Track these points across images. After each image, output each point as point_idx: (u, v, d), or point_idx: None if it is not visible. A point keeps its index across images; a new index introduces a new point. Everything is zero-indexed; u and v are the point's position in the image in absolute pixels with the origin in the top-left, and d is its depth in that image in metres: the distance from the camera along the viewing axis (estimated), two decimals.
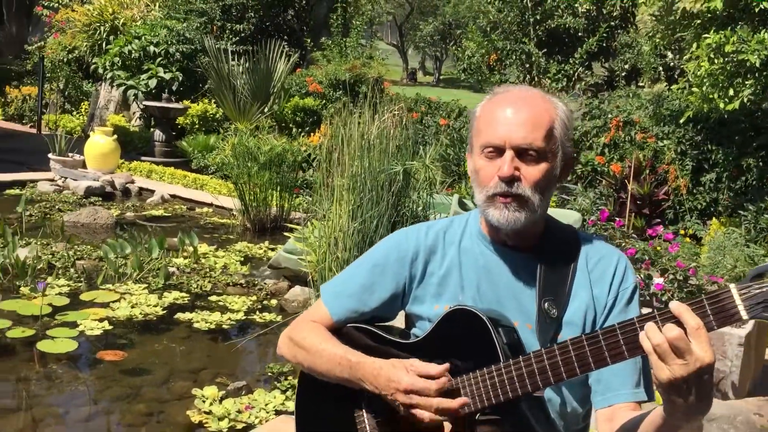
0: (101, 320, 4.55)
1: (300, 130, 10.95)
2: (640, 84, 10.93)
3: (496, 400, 1.34)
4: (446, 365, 1.38)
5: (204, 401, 3.61)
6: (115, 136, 9.50)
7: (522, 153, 1.43)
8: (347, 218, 4.84)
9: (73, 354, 4.08)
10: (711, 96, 6.11)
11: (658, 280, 4.23)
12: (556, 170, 1.48)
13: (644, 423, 1.32)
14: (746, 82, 5.91)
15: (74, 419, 3.46)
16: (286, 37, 14.86)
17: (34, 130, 12.99)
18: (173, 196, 8.74)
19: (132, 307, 4.83)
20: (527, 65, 10.81)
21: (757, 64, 5.66)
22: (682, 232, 7.35)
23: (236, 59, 11.83)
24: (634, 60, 11.01)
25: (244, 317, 4.91)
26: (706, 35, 6.05)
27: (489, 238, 1.55)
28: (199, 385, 3.81)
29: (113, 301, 4.90)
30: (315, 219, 5.39)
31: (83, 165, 9.20)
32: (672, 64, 10.10)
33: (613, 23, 11.10)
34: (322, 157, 5.32)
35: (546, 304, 1.46)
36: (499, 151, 1.44)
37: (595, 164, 8.35)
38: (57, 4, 14.92)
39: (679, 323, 1.16)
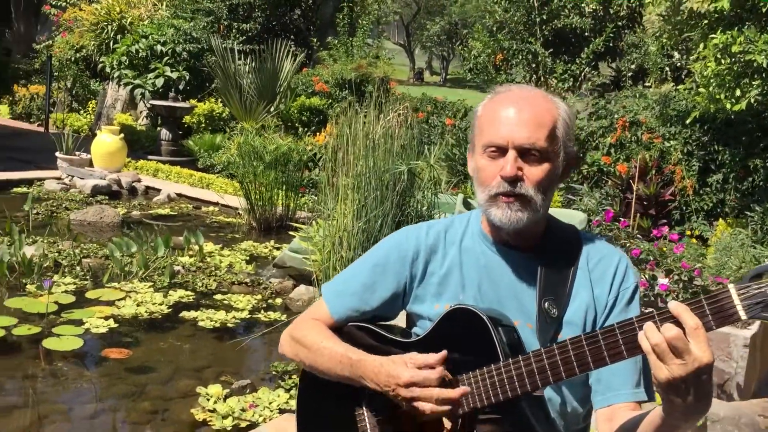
0: (107, 318, 4.57)
1: (306, 129, 10.97)
2: (647, 84, 10.90)
3: (496, 399, 1.35)
4: (444, 353, 1.38)
5: (208, 399, 3.62)
6: (122, 135, 9.53)
7: (525, 153, 1.43)
8: (352, 217, 4.85)
9: (78, 352, 4.10)
10: (718, 96, 6.09)
11: (662, 280, 4.22)
12: (558, 170, 1.48)
13: (643, 423, 1.32)
14: (753, 83, 5.90)
15: (79, 416, 3.48)
16: (292, 36, 14.89)
17: (41, 129, 13.05)
18: (179, 195, 8.76)
19: (137, 305, 4.85)
20: (533, 65, 10.79)
21: (764, 65, 5.64)
22: (688, 233, 7.33)
23: (243, 58, 11.85)
24: (641, 60, 10.98)
25: (249, 316, 4.92)
26: (713, 35, 6.04)
27: (490, 238, 1.55)
28: (204, 383, 3.82)
29: (119, 300, 4.92)
30: (320, 218, 5.40)
31: (90, 164, 9.24)
32: (679, 64, 10.06)
33: (620, 23, 11.06)
34: (327, 157, 5.33)
35: (546, 304, 1.46)
36: (501, 150, 1.44)
37: (601, 164, 8.33)
38: (65, 3, 14.98)
39: (678, 323, 1.16)
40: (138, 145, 10.95)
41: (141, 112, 12.57)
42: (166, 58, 11.71)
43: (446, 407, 1.36)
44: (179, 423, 3.47)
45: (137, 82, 11.61)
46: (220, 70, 11.25)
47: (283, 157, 7.35)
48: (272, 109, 11.21)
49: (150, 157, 10.31)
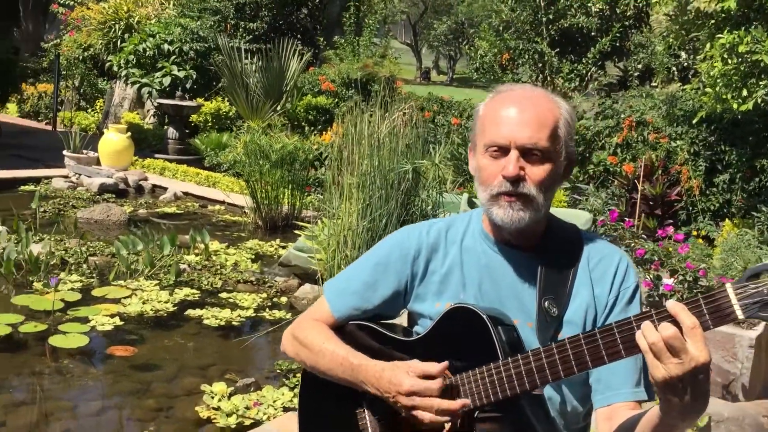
0: (112, 316, 4.60)
1: (312, 128, 10.98)
2: (654, 84, 10.86)
3: (495, 398, 1.35)
4: (445, 363, 1.39)
5: (213, 397, 3.64)
6: (129, 134, 9.56)
7: (526, 153, 1.43)
8: (357, 216, 4.86)
9: (84, 349, 4.13)
10: (724, 96, 6.08)
11: (667, 281, 4.22)
12: (560, 169, 1.49)
13: (641, 422, 1.33)
14: (760, 83, 5.88)
15: (85, 413, 3.51)
16: (299, 35, 14.88)
17: (49, 127, 13.11)
18: (186, 194, 8.79)
19: (143, 303, 4.87)
20: (540, 65, 10.78)
21: None
22: (695, 233, 7.31)
23: (249, 57, 11.87)
24: (648, 60, 10.94)
25: (254, 314, 4.94)
26: (719, 35, 6.02)
27: (491, 237, 1.55)
28: (208, 381, 3.84)
29: (125, 297, 4.95)
30: (325, 217, 5.41)
31: (97, 162, 9.27)
32: (686, 64, 10.03)
33: (626, 23, 11.03)
34: (333, 156, 5.34)
35: (546, 303, 1.47)
36: (503, 150, 1.44)
37: (608, 164, 8.32)
38: (73, 2, 15.03)
39: (676, 322, 1.17)
40: (145, 143, 10.99)
41: (148, 110, 12.61)
42: (173, 57, 11.74)
43: (445, 418, 1.37)
44: (184, 420, 3.49)
45: (144, 80, 11.65)
46: (227, 69, 11.28)
47: (289, 156, 7.36)
48: (279, 108, 11.23)
49: (157, 155, 10.34)
